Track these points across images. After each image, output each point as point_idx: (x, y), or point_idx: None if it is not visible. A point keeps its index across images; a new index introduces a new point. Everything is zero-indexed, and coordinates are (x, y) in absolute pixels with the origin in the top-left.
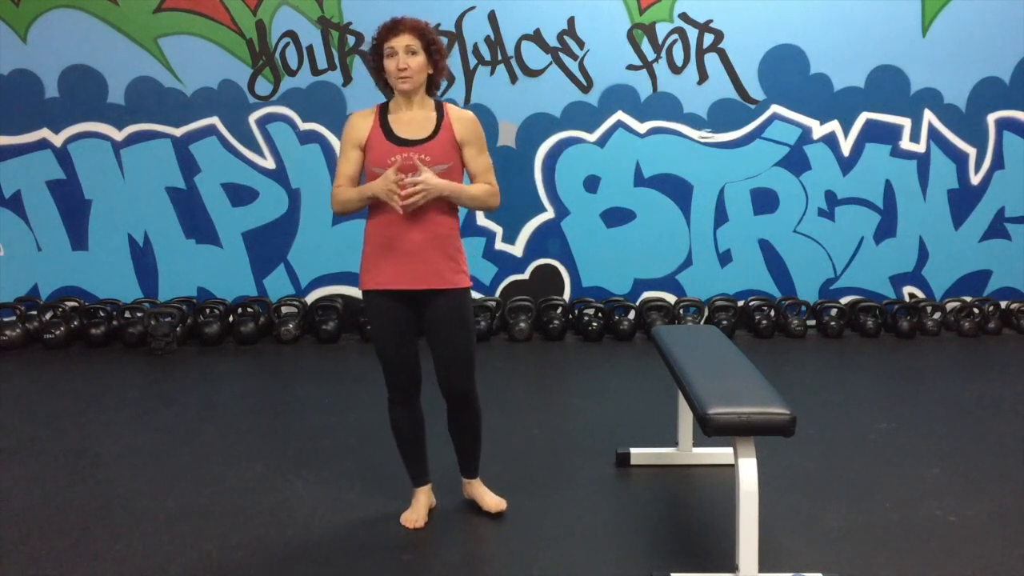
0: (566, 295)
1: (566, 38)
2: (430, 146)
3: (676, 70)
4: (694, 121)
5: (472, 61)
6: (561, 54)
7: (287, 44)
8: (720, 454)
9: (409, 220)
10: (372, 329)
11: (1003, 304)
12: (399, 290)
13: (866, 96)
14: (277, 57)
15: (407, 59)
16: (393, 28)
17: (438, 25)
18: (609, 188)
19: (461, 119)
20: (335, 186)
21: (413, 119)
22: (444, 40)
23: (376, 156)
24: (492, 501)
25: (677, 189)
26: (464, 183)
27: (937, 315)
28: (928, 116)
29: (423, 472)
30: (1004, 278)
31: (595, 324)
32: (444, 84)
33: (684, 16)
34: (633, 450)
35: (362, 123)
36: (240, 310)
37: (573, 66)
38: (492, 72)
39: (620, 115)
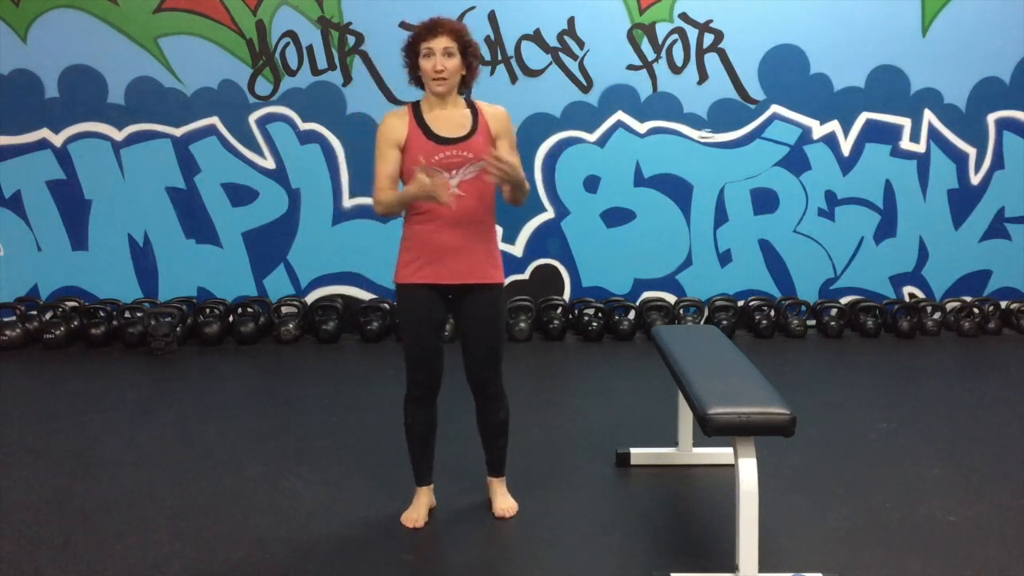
0: (566, 295)
1: (566, 38)
2: (470, 143)
3: (676, 70)
4: (694, 121)
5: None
6: (561, 54)
7: (287, 44)
8: (720, 454)
9: (450, 218)
10: (402, 323)
11: (1003, 304)
12: (436, 285)
13: (866, 96)
14: (277, 57)
15: (444, 61)
16: (432, 29)
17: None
18: (609, 188)
19: (495, 115)
20: (377, 188)
21: (450, 118)
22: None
23: (417, 155)
24: (502, 504)
25: (677, 189)
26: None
27: (937, 315)
28: (928, 116)
29: (428, 472)
30: (1004, 278)
31: (595, 324)
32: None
33: (684, 16)
34: (633, 450)
35: (398, 123)
36: (240, 310)
37: (573, 66)
38: (492, 72)
39: (620, 115)
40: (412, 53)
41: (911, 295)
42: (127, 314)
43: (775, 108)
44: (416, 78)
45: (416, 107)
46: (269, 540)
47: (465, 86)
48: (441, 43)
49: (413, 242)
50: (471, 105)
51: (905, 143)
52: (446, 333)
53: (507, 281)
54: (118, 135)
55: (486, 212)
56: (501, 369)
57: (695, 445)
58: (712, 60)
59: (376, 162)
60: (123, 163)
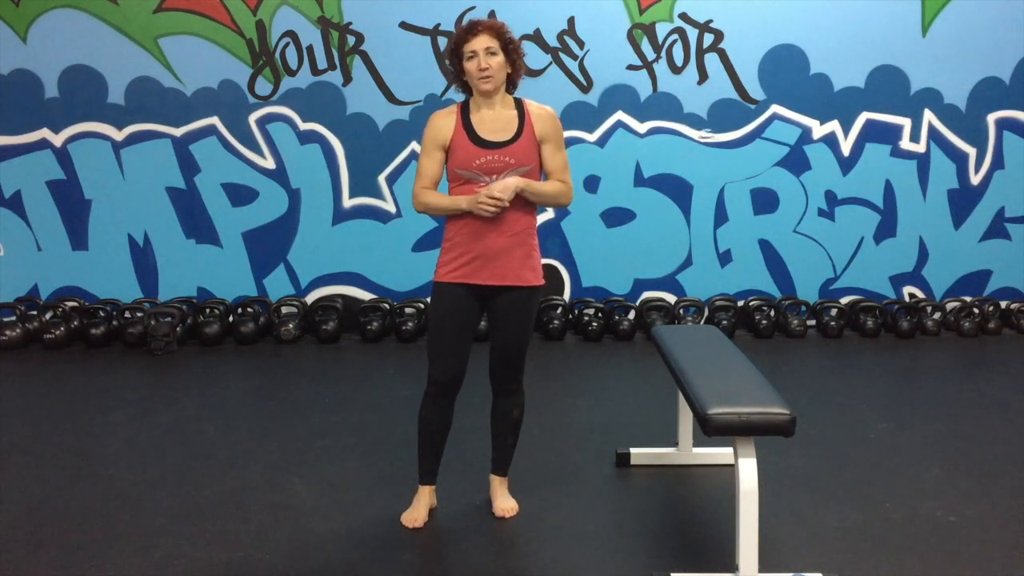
0: (566, 295)
1: (566, 38)
2: (513, 149)
3: (676, 70)
4: (694, 121)
5: None
6: (561, 54)
7: (287, 44)
8: (720, 454)
9: (490, 220)
10: (433, 319)
11: (1003, 304)
12: (471, 285)
13: (866, 96)
14: (277, 57)
15: (487, 60)
16: (471, 30)
17: (438, 26)
18: (609, 188)
19: (541, 117)
20: (419, 187)
21: (496, 120)
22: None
23: (460, 158)
24: (502, 504)
25: (677, 189)
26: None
27: (937, 315)
28: (928, 116)
29: (432, 471)
30: (1004, 278)
31: (595, 324)
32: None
33: (684, 16)
34: (633, 450)
35: (444, 123)
36: (240, 310)
37: (573, 66)
38: None
39: (620, 115)
40: (455, 58)
41: (911, 295)
42: (127, 314)
43: (775, 108)
44: (462, 83)
45: (464, 107)
46: (269, 540)
47: (512, 84)
48: (482, 42)
49: (453, 242)
50: (520, 106)
51: (905, 143)
52: (476, 331)
53: None
54: (118, 135)
55: (526, 216)
56: (523, 368)
57: (695, 445)
58: (712, 60)
59: (420, 160)
60: (123, 163)
